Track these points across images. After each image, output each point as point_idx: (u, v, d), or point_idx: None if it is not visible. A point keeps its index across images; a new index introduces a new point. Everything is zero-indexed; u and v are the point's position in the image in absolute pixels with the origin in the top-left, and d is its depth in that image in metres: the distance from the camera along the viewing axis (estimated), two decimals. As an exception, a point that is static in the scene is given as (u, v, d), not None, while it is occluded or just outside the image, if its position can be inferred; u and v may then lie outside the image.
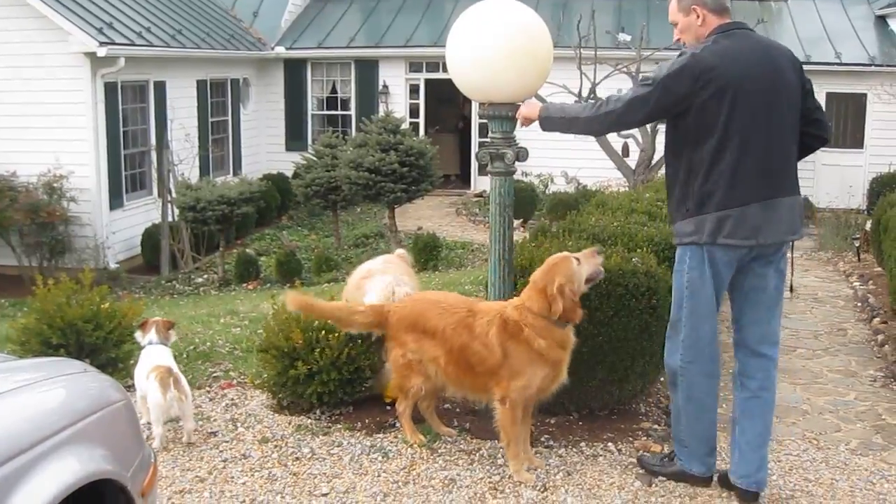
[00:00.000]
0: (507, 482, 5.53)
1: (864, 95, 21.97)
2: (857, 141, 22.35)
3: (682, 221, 5.24)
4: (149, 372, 6.03)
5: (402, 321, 5.93)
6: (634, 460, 5.86)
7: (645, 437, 6.24)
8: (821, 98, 21.86)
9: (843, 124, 22.43)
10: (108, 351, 7.06)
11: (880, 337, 9.10)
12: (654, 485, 5.55)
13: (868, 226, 13.40)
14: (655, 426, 6.45)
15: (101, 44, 16.27)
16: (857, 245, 14.18)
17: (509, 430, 5.53)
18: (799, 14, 24.11)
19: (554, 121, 5.55)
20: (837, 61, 21.98)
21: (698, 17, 5.23)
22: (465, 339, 5.61)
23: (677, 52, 5.36)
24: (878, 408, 7.19)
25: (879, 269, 12.01)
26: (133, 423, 3.99)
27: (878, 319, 9.75)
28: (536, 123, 5.63)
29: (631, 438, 6.22)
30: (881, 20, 23.66)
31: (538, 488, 5.43)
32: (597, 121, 5.34)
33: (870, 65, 21.79)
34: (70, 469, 3.27)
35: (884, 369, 8.19)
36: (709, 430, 5.49)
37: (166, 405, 5.91)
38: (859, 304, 10.79)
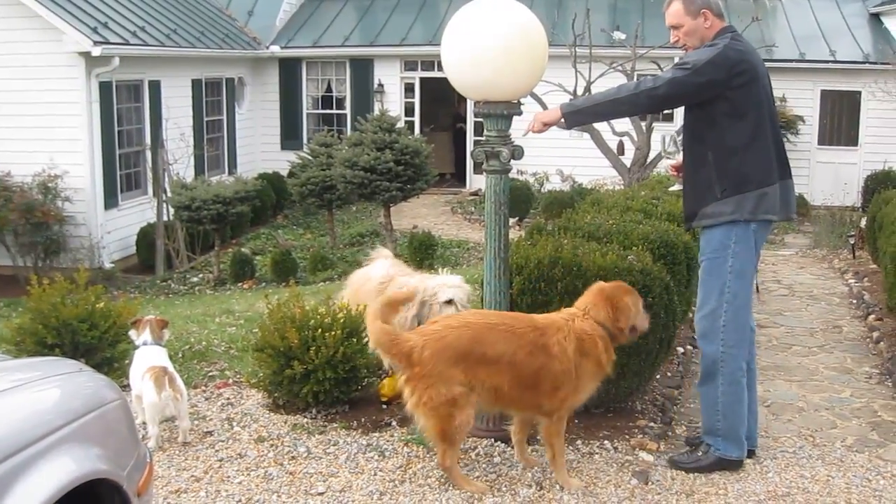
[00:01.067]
0: (504, 480, 5.53)
1: (859, 93, 21.99)
2: (851, 138, 22.38)
3: (717, 203, 5.50)
4: (144, 372, 6.02)
5: (444, 353, 5.13)
6: (631, 458, 5.87)
7: (641, 435, 6.24)
8: (815, 95, 21.94)
9: (838, 122, 22.46)
10: (103, 350, 7.05)
11: (875, 334, 9.10)
12: (650, 482, 5.56)
13: (863, 223, 13.42)
14: (651, 424, 6.45)
15: (96, 43, 16.25)
16: (852, 242, 14.20)
17: (558, 443, 5.42)
18: (793, 12, 24.12)
19: (585, 111, 5.69)
20: (832, 59, 22.01)
21: (706, 20, 5.54)
22: (543, 361, 5.17)
23: (680, 52, 5.59)
24: (873, 404, 7.20)
25: (874, 266, 12.02)
26: (128, 422, 3.98)
27: (873, 316, 9.76)
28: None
29: (627, 436, 6.22)
30: (875, 18, 23.69)
31: (534, 487, 5.43)
32: (639, 98, 5.48)
33: (864, 62, 21.81)
34: (65, 469, 3.27)
35: (879, 366, 8.20)
36: (743, 411, 5.74)
37: (161, 405, 5.91)
38: (854, 301, 10.80)
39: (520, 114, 5.74)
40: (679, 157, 6.13)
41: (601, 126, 16.78)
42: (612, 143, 17.26)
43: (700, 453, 5.82)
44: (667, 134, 6.44)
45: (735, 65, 5.38)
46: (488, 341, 5.17)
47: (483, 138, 5.91)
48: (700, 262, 5.76)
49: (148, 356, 6.21)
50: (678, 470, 5.75)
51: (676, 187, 8.90)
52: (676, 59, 7.90)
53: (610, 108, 5.67)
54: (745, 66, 5.41)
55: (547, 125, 5.66)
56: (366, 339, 6.61)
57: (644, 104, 5.65)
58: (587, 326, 5.28)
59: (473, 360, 5.14)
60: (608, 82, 17.49)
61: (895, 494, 5.54)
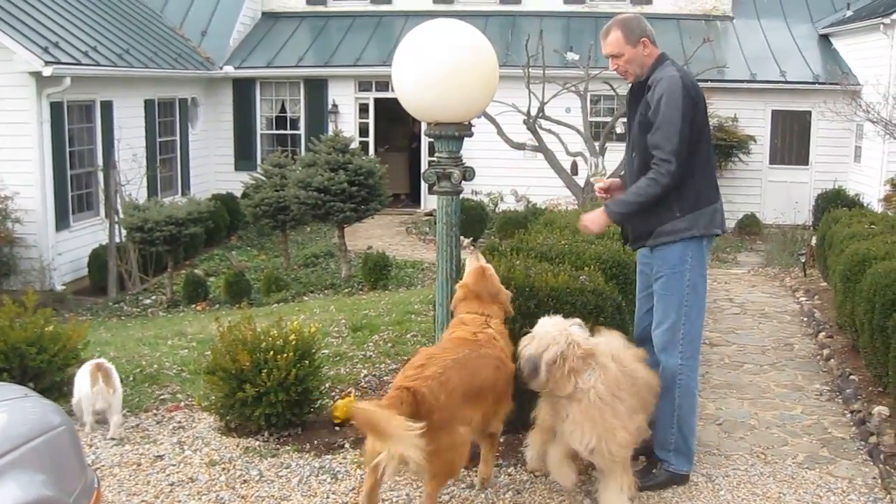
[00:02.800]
0: (455, 502, 5.52)
1: (809, 113, 22.29)
2: (802, 158, 22.66)
3: (674, 221, 5.67)
4: (83, 368, 6.66)
5: (456, 393, 4.92)
6: (584, 478, 5.86)
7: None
8: (766, 115, 22.24)
9: (789, 141, 22.73)
10: (52, 374, 6.97)
11: (826, 351, 9.18)
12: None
13: (814, 241, 13.55)
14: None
15: (47, 63, 16.10)
16: (803, 260, 14.33)
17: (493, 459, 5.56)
18: (744, 33, 24.41)
19: (629, 215, 5.79)
20: (782, 79, 22.30)
21: (645, 47, 5.71)
22: (504, 372, 5.31)
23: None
24: (824, 421, 7.26)
25: (825, 284, 12.13)
26: (75, 447, 3.94)
27: (823, 334, 9.85)
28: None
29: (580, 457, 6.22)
30: (824, 39, 24.01)
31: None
32: (669, 185, 5.60)
33: (814, 83, 22.11)
34: (10, 495, 3.23)
35: (829, 383, 8.27)
36: (695, 423, 5.99)
37: (92, 398, 6.50)
38: (805, 319, 10.89)
39: (471, 135, 5.75)
40: (606, 179, 6.24)
41: (555, 146, 16.95)
42: (566, 163, 17.37)
43: (654, 471, 5.87)
44: (591, 158, 6.55)
45: (694, 96, 5.61)
46: (476, 371, 5.09)
47: (435, 159, 5.91)
48: (656, 279, 5.82)
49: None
50: (641, 490, 5.76)
51: None
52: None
53: (653, 201, 5.68)
54: (699, 94, 5.67)
55: (596, 231, 5.95)
56: (318, 361, 6.64)
57: (671, 184, 5.63)
58: (502, 328, 5.47)
59: (472, 394, 5.03)
60: (561, 102, 17.71)
61: (845, 511, 5.60)
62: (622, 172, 6.24)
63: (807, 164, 22.65)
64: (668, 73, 5.63)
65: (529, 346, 5.22)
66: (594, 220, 5.84)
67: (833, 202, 18.14)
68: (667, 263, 5.75)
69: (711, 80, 19.43)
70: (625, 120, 20.44)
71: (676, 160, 5.53)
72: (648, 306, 6.05)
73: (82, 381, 6.53)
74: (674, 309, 5.74)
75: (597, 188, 6.34)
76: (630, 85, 5.96)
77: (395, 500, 5.53)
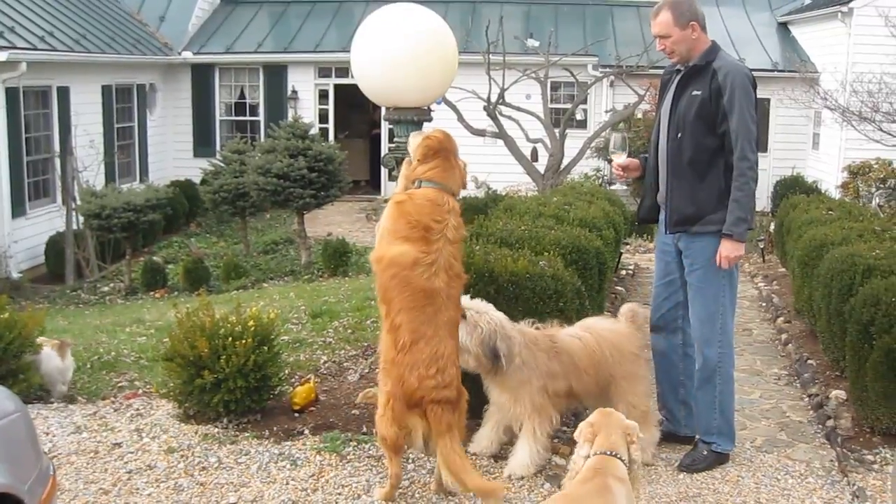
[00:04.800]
0: (416, 487, 5.51)
1: (768, 100, 22.39)
2: (760, 144, 22.57)
3: (724, 211, 5.72)
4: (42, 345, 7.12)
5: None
6: (543, 462, 5.87)
7: (554, 439, 6.25)
8: (725, 102, 22.27)
9: (748, 128, 22.82)
10: (7, 362, 6.86)
11: (784, 336, 9.26)
12: (563, 486, 5.56)
13: (772, 227, 13.64)
14: (564, 428, 6.46)
15: (2, 48, 15.89)
16: (762, 246, 14.43)
17: None
18: (703, 20, 24.47)
19: (749, 219, 5.80)
20: (741, 66, 22.39)
21: (694, 31, 5.77)
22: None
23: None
24: (782, 405, 7.33)
25: (783, 269, 12.22)
26: (30, 434, 3.89)
27: (781, 319, 9.93)
28: None
29: (540, 441, 6.23)
30: (783, 27, 24.16)
31: (447, 492, 5.42)
32: (756, 179, 5.72)
33: (773, 70, 22.23)
34: (-38, 484, 3.19)
35: (787, 367, 8.34)
36: (734, 404, 6.16)
37: (64, 367, 7.19)
38: (764, 305, 10.97)
39: (430, 120, 5.74)
40: (625, 157, 6.17)
41: (515, 133, 16.94)
42: (526, 149, 17.39)
43: (705, 453, 6.02)
44: (616, 133, 6.44)
45: (755, 87, 5.78)
46: (455, 322, 5.35)
47: (395, 144, 5.89)
48: (691, 271, 5.93)
49: None
50: (692, 473, 5.90)
51: (617, 187, 9.00)
52: (605, 72, 7.85)
53: (752, 202, 5.80)
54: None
55: (738, 257, 5.88)
56: (277, 347, 6.61)
57: (757, 171, 5.75)
58: (457, 217, 5.39)
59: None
60: (522, 89, 17.70)
61: (803, 493, 5.66)
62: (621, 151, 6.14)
63: (765, 150, 22.76)
64: (732, 62, 5.77)
65: None
66: (732, 256, 5.81)
67: (791, 189, 18.23)
68: (704, 255, 5.85)
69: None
70: (584, 106, 20.52)
71: (758, 148, 5.68)
72: (667, 294, 6.15)
73: (51, 356, 7.12)
74: (712, 300, 5.89)
75: (615, 164, 6.20)
76: (678, 68, 5.96)
77: (354, 485, 5.52)
